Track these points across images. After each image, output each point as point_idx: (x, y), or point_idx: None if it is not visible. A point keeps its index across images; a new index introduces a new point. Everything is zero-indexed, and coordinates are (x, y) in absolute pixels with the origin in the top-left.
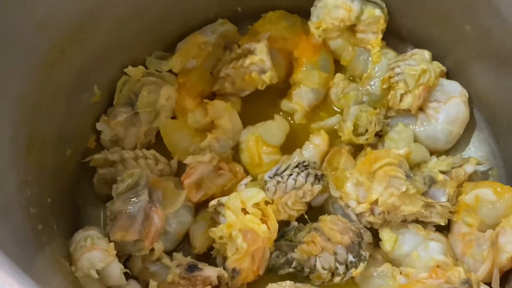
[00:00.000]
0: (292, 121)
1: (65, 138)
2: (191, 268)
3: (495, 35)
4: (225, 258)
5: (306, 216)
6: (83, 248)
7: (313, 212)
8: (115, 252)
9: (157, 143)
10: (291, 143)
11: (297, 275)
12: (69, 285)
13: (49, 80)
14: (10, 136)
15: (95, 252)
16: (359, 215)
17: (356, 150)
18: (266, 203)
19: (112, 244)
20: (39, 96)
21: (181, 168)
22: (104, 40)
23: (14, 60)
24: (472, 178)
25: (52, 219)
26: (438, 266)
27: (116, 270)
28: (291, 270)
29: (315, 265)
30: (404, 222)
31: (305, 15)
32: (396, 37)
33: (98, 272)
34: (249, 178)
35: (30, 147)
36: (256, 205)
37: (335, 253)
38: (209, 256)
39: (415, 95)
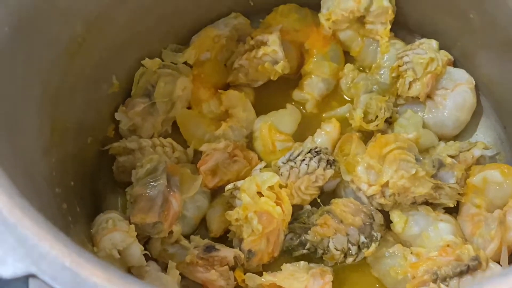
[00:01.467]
0: (304, 111)
1: (86, 127)
2: (209, 249)
3: (500, 23)
4: (241, 240)
5: (319, 200)
6: (105, 230)
7: (326, 197)
8: (135, 233)
9: (174, 132)
10: (303, 131)
11: (310, 257)
12: None
13: (70, 70)
14: (36, 122)
15: (116, 234)
16: (370, 198)
17: (367, 138)
18: (280, 186)
19: (132, 226)
20: (60, 85)
21: (197, 156)
22: (121, 32)
23: (38, 48)
24: (479, 162)
25: (75, 201)
26: (448, 246)
27: (136, 251)
28: (305, 251)
29: (328, 246)
30: (414, 204)
31: (316, 8)
32: (403, 28)
33: (119, 252)
34: (263, 164)
35: (53, 133)
36: (271, 188)
37: (347, 234)
38: (225, 240)
39: (423, 82)
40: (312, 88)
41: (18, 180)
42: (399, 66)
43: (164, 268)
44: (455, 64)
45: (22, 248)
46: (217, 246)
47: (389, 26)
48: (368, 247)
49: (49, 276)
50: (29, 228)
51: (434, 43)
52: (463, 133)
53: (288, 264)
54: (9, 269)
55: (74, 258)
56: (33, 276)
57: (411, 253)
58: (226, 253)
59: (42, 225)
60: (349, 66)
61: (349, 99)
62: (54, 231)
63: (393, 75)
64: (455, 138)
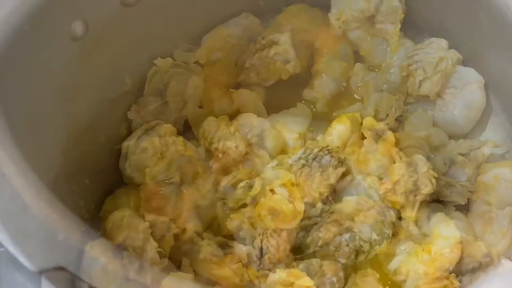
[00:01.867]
0: (314, 110)
1: (99, 126)
2: (222, 246)
3: (509, 23)
4: (253, 238)
5: (330, 198)
6: (120, 227)
7: (337, 195)
8: (149, 231)
9: (185, 131)
10: (314, 130)
11: (322, 254)
12: None
13: (84, 70)
14: (53, 120)
15: (130, 231)
16: (382, 195)
17: (377, 136)
18: (292, 184)
19: (146, 223)
20: (74, 85)
21: (209, 155)
22: (134, 32)
23: (53, 48)
24: (489, 160)
25: (90, 199)
26: (459, 243)
27: (150, 248)
28: (317, 249)
29: (340, 244)
30: (425, 202)
31: (326, 8)
32: (413, 28)
33: (133, 250)
34: (275, 162)
35: (69, 132)
36: (283, 186)
37: (359, 232)
38: (238, 237)
39: (433, 81)
40: (323, 87)
41: (41, 176)
42: (409, 65)
43: (178, 266)
44: (464, 63)
45: (51, 242)
46: (230, 243)
47: (399, 26)
48: (379, 244)
49: (78, 269)
50: (57, 222)
51: (443, 42)
52: (473, 131)
53: (300, 261)
54: (39, 262)
55: (102, 251)
56: (62, 268)
57: (423, 250)
58: (239, 250)
59: (70, 219)
60: (358, 65)
61: (359, 98)
62: (82, 225)
63: (403, 74)
64: (465, 136)
